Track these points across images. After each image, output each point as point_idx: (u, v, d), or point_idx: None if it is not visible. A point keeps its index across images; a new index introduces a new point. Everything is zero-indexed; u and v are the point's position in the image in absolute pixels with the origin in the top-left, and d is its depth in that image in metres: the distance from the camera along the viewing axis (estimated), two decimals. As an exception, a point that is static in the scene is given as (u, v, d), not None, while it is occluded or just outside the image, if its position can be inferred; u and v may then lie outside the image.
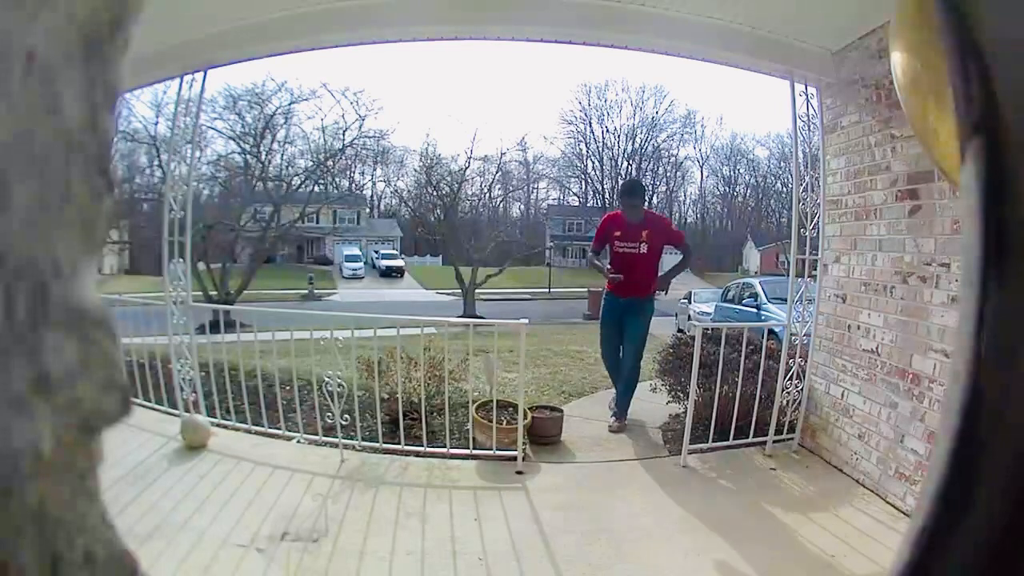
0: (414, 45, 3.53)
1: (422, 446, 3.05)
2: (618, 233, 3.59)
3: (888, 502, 2.63)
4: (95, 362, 0.25)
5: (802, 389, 3.33)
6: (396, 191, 32.48)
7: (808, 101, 3.30)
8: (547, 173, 38.41)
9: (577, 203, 40.54)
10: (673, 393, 3.65)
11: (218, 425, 3.30)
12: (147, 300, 4.25)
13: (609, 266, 3.61)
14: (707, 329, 3.61)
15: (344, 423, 3.08)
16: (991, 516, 0.25)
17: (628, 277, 3.52)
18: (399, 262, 31.37)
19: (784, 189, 33.62)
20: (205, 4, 2.90)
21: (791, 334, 3.40)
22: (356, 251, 31.23)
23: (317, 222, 24.99)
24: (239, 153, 19.42)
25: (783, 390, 3.30)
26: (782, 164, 34.39)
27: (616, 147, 40.68)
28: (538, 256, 28.37)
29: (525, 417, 3.12)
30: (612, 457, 3.22)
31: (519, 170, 33.15)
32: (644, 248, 3.54)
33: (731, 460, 3.13)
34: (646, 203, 3.64)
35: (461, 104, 51.58)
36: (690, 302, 13.12)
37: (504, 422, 3.20)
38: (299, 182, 20.42)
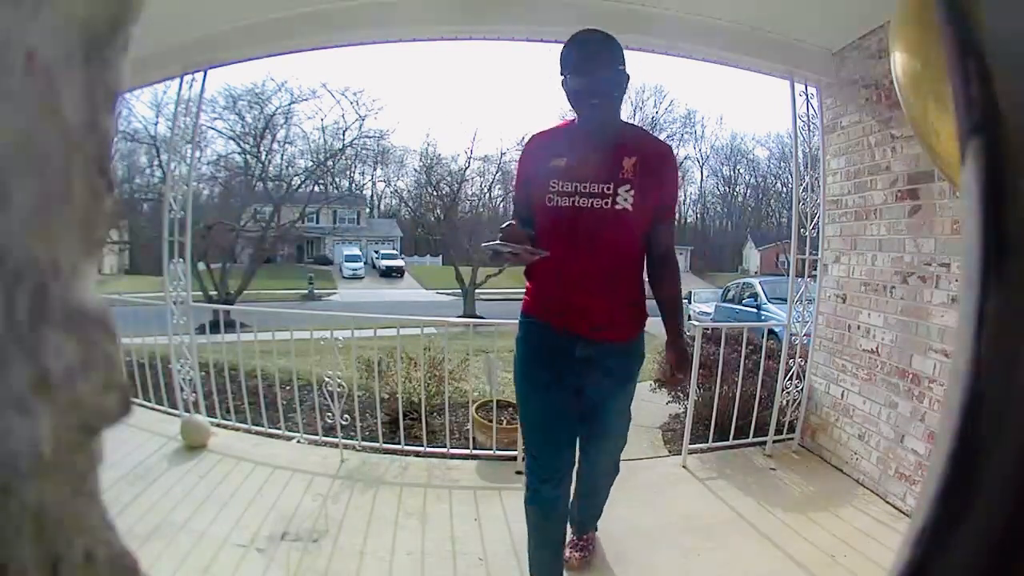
0: (414, 45, 3.52)
1: (422, 446, 3.05)
2: (560, 162, 1.53)
3: (888, 502, 2.63)
4: (95, 362, 0.25)
5: (802, 389, 3.33)
6: (396, 191, 32.47)
7: (808, 101, 3.30)
8: (547, 173, 38.29)
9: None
10: (673, 393, 3.65)
11: (218, 425, 3.30)
12: (147, 300, 4.24)
13: (511, 247, 1.39)
14: (707, 329, 3.60)
15: (344, 423, 3.08)
16: (991, 516, 0.25)
17: (574, 275, 1.49)
18: (399, 262, 31.34)
19: (784, 189, 33.62)
20: (205, 4, 2.90)
21: (791, 334, 3.40)
22: (356, 251, 31.20)
23: (317, 222, 25.06)
24: (239, 153, 19.47)
25: (783, 390, 3.30)
26: (782, 164, 34.38)
27: (616, 147, 40.54)
28: (538, 256, 28.18)
29: (525, 417, 3.12)
30: (612, 457, 3.21)
31: (519, 170, 33.03)
32: (625, 200, 1.47)
33: (731, 460, 3.13)
34: (623, 95, 1.55)
35: (461, 104, 51.69)
36: (690, 302, 13.14)
37: (504, 422, 3.20)
38: (299, 182, 20.48)
